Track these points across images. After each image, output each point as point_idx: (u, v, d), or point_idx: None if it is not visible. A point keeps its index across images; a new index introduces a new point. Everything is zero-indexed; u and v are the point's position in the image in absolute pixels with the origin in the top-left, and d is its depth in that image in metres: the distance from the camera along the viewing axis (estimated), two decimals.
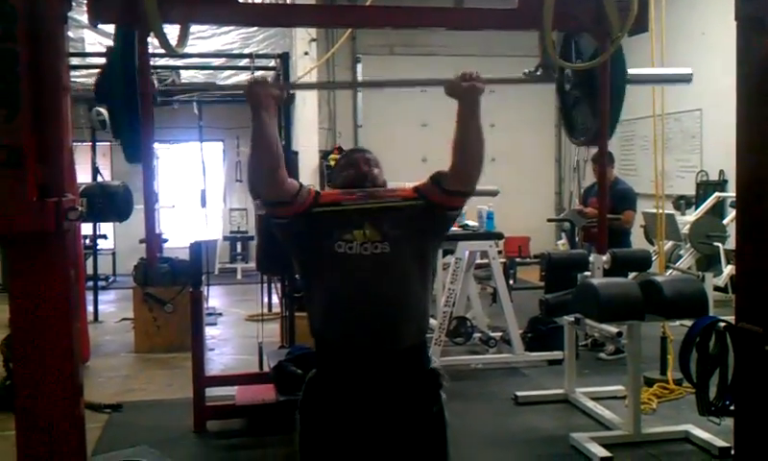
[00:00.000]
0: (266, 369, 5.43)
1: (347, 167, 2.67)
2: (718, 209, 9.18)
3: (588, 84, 2.86)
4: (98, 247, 9.43)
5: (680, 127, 10.72)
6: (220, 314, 9.04)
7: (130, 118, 2.47)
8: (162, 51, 2.52)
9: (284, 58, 6.49)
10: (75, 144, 3.94)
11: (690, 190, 10.12)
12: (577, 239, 7.32)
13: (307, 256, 2.48)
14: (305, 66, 10.49)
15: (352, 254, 2.37)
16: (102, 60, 9.26)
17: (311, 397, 2.49)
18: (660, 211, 6.28)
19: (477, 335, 6.70)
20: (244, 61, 9.18)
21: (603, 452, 4.36)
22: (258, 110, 2.42)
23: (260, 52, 9.79)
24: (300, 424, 2.48)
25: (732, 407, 3.65)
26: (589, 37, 2.79)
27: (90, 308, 8.39)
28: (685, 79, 3.48)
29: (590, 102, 2.86)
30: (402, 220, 2.45)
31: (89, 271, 8.96)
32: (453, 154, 2.46)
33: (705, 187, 10.01)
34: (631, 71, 2.86)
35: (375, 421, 2.41)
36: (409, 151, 12.10)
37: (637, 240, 8.19)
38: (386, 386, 2.40)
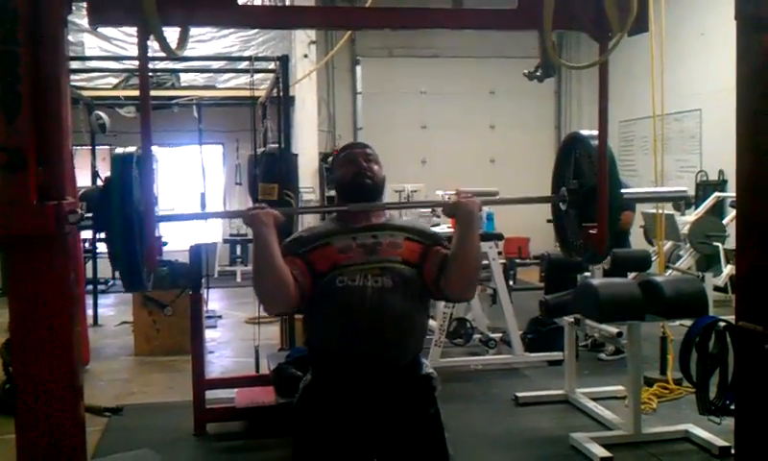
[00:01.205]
0: (262, 371, 5.43)
1: (345, 163, 2.60)
2: (718, 209, 9.19)
3: (584, 204, 2.87)
4: (97, 250, 9.42)
5: (679, 127, 10.74)
6: (219, 317, 9.04)
7: (127, 248, 2.45)
8: (162, 54, 2.51)
9: (283, 60, 6.50)
10: (74, 148, 3.94)
11: (690, 190, 10.13)
12: None
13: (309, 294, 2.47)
14: (305, 69, 10.51)
15: (354, 286, 2.37)
16: (100, 64, 9.22)
17: (306, 402, 2.49)
18: (660, 212, 6.29)
19: (477, 336, 6.70)
20: (243, 64, 9.19)
21: (603, 453, 4.36)
22: (260, 231, 2.33)
23: (259, 55, 9.80)
24: (294, 428, 2.48)
25: (732, 407, 3.65)
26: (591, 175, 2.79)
27: (90, 312, 8.39)
28: (682, 197, 3.51)
29: (585, 219, 2.87)
30: (402, 271, 2.42)
31: (89, 274, 8.95)
32: (450, 265, 2.42)
33: (704, 187, 10.02)
34: (626, 191, 2.89)
35: (372, 426, 2.41)
36: (409, 153, 12.12)
37: (637, 241, 8.19)
38: (381, 394, 2.41)
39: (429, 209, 7.47)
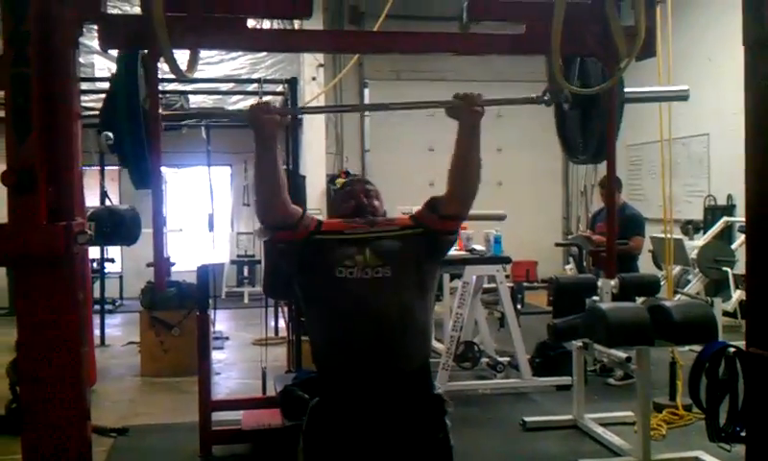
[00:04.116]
0: (269, 393, 5.41)
1: (347, 198, 2.69)
2: (726, 234, 9.14)
3: (588, 103, 2.87)
4: (105, 270, 9.45)
5: (687, 151, 10.72)
6: (227, 338, 9.03)
7: (135, 144, 2.47)
8: (172, 76, 2.53)
9: (292, 83, 6.54)
10: (84, 168, 3.95)
11: (698, 215, 10.10)
12: (585, 263, 7.29)
13: (308, 281, 2.49)
14: (313, 92, 10.56)
15: (353, 278, 2.37)
16: (109, 85, 9.33)
17: (315, 424, 2.47)
18: (669, 236, 6.26)
19: (485, 360, 6.66)
20: (252, 86, 9.24)
21: None
22: (261, 134, 2.42)
23: (268, 77, 9.86)
24: (303, 452, 2.47)
25: (742, 433, 3.61)
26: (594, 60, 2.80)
27: (97, 332, 8.38)
28: (682, 96, 3.49)
29: (589, 120, 2.87)
30: (402, 247, 2.45)
31: (96, 294, 8.96)
32: (450, 175, 2.52)
33: (713, 212, 9.99)
34: (628, 90, 2.87)
35: (381, 448, 2.39)
36: (416, 175, 12.10)
37: (645, 265, 8.16)
38: (391, 412, 2.39)
39: None
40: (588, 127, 2.86)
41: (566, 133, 3.05)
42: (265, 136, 2.41)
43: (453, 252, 5.63)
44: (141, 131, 2.47)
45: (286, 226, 2.46)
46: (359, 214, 2.60)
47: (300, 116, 8.61)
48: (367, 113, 12.75)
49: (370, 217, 2.60)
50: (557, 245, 10.91)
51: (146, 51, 2.53)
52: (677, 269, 8.34)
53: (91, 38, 7.64)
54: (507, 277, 7.03)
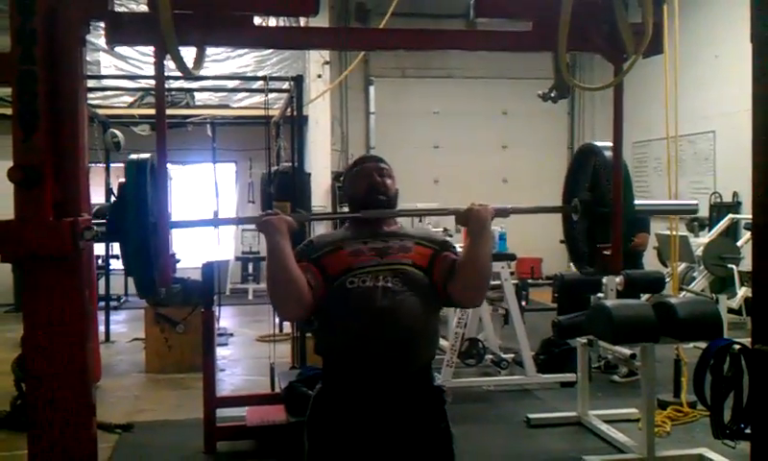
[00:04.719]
0: (278, 390, 5.42)
1: (359, 178, 2.62)
2: (732, 231, 9.13)
3: (596, 219, 2.87)
4: (110, 267, 9.46)
5: (693, 149, 10.71)
6: (231, 335, 9.05)
7: (141, 255, 2.47)
8: (177, 73, 2.53)
9: (298, 80, 6.55)
10: (90, 165, 3.91)
11: (704, 212, 10.09)
12: None
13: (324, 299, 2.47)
14: (318, 89, 10.57)
15: (365, 287, 2.38)
16: (115, 82, 9.33)
17: (318, 412, 2.49)
18: (674, 233, 6.25)
19: (489, 357, 6.66)
20: (258, 84, 9.25)
21: None
22: (273, 237, 2.34)
23: (274, 74, 9.87)
24: (307, 439, 2.48)
25: (747, 431, 3.61)
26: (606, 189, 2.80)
27: (102, 328, 8.41)
28: (691, 210, 3.53)
29: (594, 238, 2.87)
30: (410, 277, 2.43)
31: (101, 291, 8.98)
32: (460, 272, 2.43)
33: (718, 209, 9.97)
34: (638, 202, 2.88)
35: (383, 437, 2.40)
36: (421, 173, 12.13)
37: (651, 262, 8.15)
38: (393, 403, 2.40)
39: (441, 228, 7.47)
40: (595, 243, 2.86)
41: (573, 242, 3.05)
42: (277, 235, 2.34)
43: (457, 248, 5.60)
44: (149, 242, 2.46)
45: (305, 314, 2.42)
46: (371, 196, 2.56)
47: (305, 114, 8.59)
48: (372, 110, 12.76)
49: (383, 199, 2.56)
50: (562, 242, 10.87)
51: (155, 160, 2.52)
52: (682, 266, 8.33)
53: (97, 36, 7.69)
54: (512, 273, 7.02)
